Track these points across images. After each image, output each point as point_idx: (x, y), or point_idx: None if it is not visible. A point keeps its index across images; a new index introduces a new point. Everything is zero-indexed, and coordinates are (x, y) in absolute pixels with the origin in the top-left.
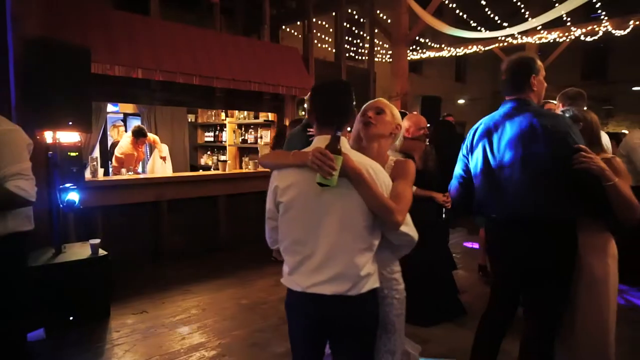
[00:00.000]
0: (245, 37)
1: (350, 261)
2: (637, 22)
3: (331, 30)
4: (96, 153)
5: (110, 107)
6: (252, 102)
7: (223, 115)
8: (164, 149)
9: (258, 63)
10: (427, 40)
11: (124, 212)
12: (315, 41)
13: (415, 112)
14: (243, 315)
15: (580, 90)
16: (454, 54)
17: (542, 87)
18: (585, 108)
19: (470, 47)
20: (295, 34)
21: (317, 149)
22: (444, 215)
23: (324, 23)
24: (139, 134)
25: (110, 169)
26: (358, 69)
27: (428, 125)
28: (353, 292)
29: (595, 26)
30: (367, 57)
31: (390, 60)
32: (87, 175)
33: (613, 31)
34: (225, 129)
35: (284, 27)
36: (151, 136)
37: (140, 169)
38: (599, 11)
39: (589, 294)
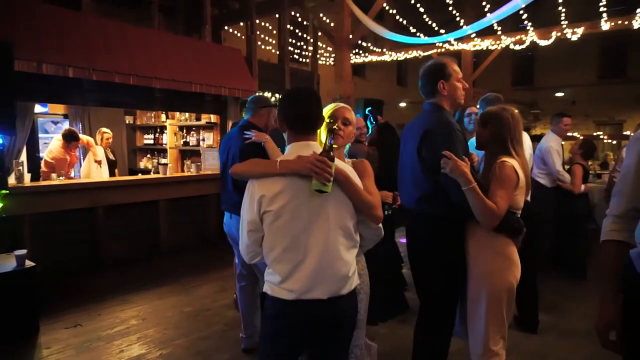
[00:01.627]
0: (186, 37)
1: (342, 260)
2: (559, 33)
3: (275, 32)
4: (23, 157)
5: (39, 108)
6: (193, 104)
7: (163, 116)
8: (99, 152)
9: (199, 64)
10: (369, 45)
11: (56, 219)
12: (259, 43)
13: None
14: (186, 323)
15: (499, 95)
16: (395, 59)
17: (454, 91)
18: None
19: (410, 52)
20: (238, 35)
21: (314, 156)
22: (386, 212)
23: (267, 25)
24: (70, 138)
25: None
26: (302, 72)
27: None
28: (345, 291)
29: (522, 36)
30: (310, 60)
31: (334, 63)
32: (12, 180)
33: (538, 41)
34: (165, 131)
35: (226, 27)
36: (85, 138)
37: (73, 174)
38: (526, 22)
39: (473, 287)
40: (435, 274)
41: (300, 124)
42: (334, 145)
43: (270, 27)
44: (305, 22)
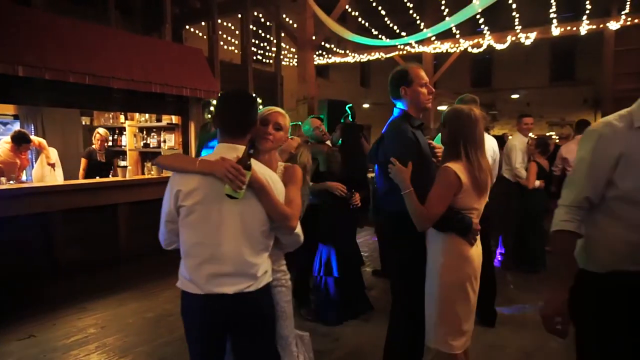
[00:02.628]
0: (145, 36)
1: (248, 262)
2: (514, 38)
3: (237, 32)
4: None
5: None
6: (153, 105)
7: (122, 118)
8: (52, 154)
9: (159, 63)
10: (332, 46)
11: (4, 226)
12: (221, 43)
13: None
14: (148, 329)
15: (475, 97)
16: (358, 60)
17: (416, 96)
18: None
19: (373, 53)
20: (200, 34)
21: (229, 163)
22: (352, 206)
23: (229, 25)
24: (20, 140)
25: None
26: (265, 72)
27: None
28: (252, 289)
29: (480, 39)
30: (274, 61)
31: (297, 64)
32: None
33: (494, 44)
34: (125, 133)
35: (187, 27)
36: (36, 139)
37: (25, 177)
38: (483, 26)
39: (427, 282)
40: (399, 266)
41: (228, 126)
42: (252, 151)
43: (232, 27)
44: (268, 23)
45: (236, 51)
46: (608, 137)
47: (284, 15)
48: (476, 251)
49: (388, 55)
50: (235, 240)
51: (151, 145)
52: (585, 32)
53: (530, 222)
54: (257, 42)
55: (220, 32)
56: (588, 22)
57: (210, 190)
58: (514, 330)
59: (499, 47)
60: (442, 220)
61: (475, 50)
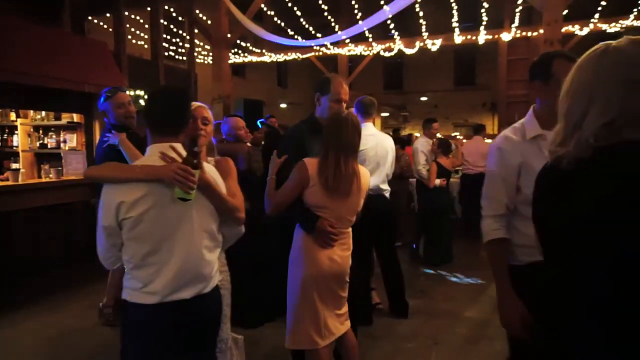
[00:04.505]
0: (40, 25)
1: (205, 261)
2: (422, 43)
3: (147, 26)
4: None
5: None
6: (51, 101)
7: (13, 115)
8: None
9: (57, 56)
10: (248, 45)
11: None
12: (130, 37)
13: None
14: (50, 349)
15: (372, 98)
16: (275, 60)
17: (325, 108)
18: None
19: (289, 53)
20: (105, 27)
21: (177, 165)
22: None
23: (138, 18)
24: None
25: None
26: (178, 69)
27: (260, 127)
28: (207, 289)
29: (391, 44)
30: (187, 58)
31: (212, 62)
32: None
33: (404, 49)
34: (16, 132)
35: (90, 18)
36: None
37: None
38: (394, 31)
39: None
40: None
41: (162, 125)
42: (196, 149)
43: (142, 21)
44: (180, 18)
45: (146, 46)
46: (508, 150)
47: (198, 11)
48: (329, 254)
49: (304, 56)
50: (192, 242)
51: (49, 146)
52: (484, 41)
53: (436, 218)
54: (168, 37)
55: (128, 26)
56: (485, 32)
57: (158, 196)
58: (425, 320)
59: (409, 51)
60: (291, 212)
61: (387, 54)
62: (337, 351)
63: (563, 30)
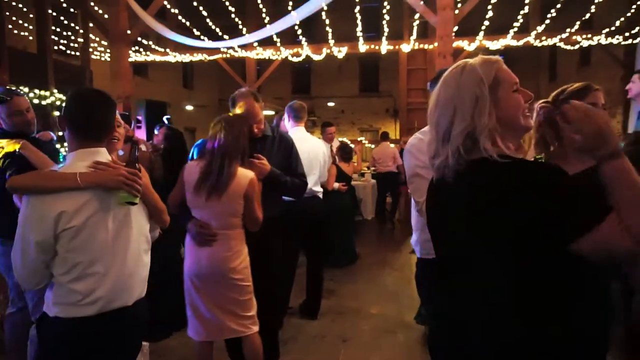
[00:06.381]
0: None
1: (143, 263)
2: (329, 50)
3: (32, 16)
4: None
5: None
6: None
7: None
8: None
9: None
10: (150, 43)
11: None
12: (10, 26)
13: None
14: None
15: (302, 103)
16: (180, 60)
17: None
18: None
19: (195, 54)
20: None
21: (123, 168)
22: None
23: (21, 7)
24: None
25: None
26: (70, 66)
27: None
28: (143, 294)
29: (299, 49)
30: (81, 53)
31: (110, 59)
32: None
33: (312, 55)
34: None
35: None
36: None
37: None
38: (301, 37)
39: None
40: None
41: (91, 129)
42: (137, 152)
43: (26, 10)
44: (72, 10)
45: (32, 38)
46: (420, 149)
47: (93, 4)
48: (205, 253)
49: (211, 58)
50: (132, 246)
51: None
52: (386, 51)
53: (337, 220)
54: (58, 30)
55: (8, 14)
56: (387, 42)
57: (100, 203)
58: (333, 319)
59: (316, 57)
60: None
61: (295, 59)
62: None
63: (454, 45)
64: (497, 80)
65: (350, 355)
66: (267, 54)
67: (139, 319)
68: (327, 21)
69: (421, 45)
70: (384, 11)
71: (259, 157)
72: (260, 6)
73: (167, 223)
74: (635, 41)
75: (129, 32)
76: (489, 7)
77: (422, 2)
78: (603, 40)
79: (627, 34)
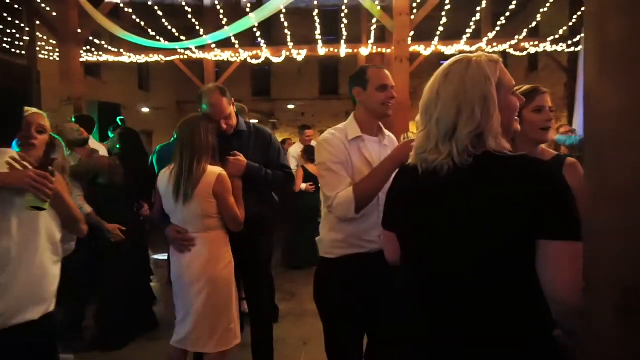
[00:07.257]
0: None
1: (50, 276)
2: (288, 53)
3: None
4: None
5: None
6: None
7: None
8: None
9: None
10: (103, 43)
11: None
12: None
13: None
14: None
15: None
16: (135, 61)
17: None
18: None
19: (151, 55)
20: None
21: (32, 171)
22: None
23: None
24: None
25: None
26: (14, 65)
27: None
28: (52, 307)
29: (258, 51)
30: (27, 52)
31: (59, 59)
32: None
33: (271, 57)
34: None
35: None
36: None
37: None
38: (260, 39)
39: None
40: None
41: None
42: (53, 156)
43: None
44: (17, 6)
45: None
46: (335, 145)
47: (39, 0)
48: (182, 259)
49: (168, 59)
50: (38, 256)
51: None
52: (345, 54)
53: (301, 221)
54: (1, 27)
55: None
56: (346, 46)
57: (4, 206)
58: (294, 322)
59: (276, 60)
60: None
61: (254, 61)
62: None
63: (411, 49)
64: (500, 81)
65: (311, 357)
66: (225, 55)
67: (49, 334)
68: (286, 24)
69: (379, 49)
70: (343, 15)
71: (235, 153)
72: (218, 7)
73: (84, 233)
74: (577, 49)
75: (79, 30)
76: (443, 13)
77: (379, 7)
78: (548, 47)
79: (569, 42)
